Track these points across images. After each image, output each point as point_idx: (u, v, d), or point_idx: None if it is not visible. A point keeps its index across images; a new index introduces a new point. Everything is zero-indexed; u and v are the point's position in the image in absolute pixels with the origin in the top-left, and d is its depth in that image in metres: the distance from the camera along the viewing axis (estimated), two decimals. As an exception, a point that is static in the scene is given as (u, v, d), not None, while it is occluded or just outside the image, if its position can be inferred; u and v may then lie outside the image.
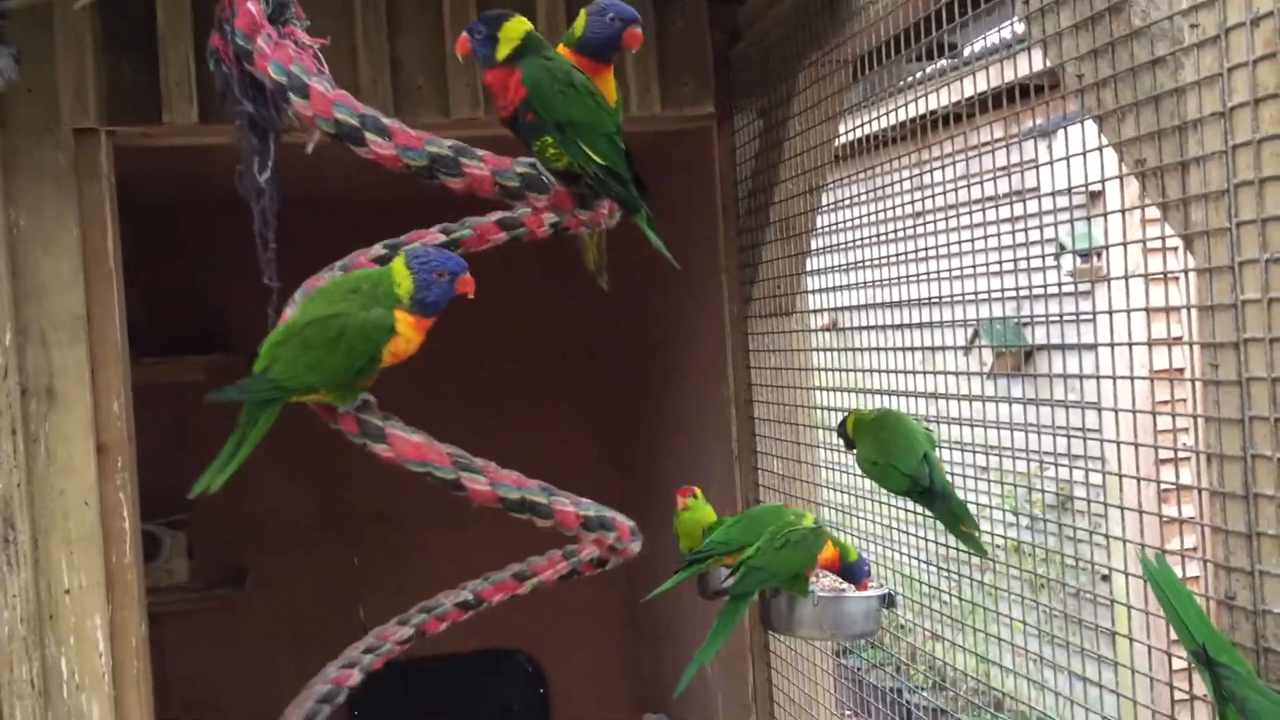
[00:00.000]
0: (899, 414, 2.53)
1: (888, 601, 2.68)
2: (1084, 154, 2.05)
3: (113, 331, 3.08)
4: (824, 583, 2.75)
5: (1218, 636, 1.52)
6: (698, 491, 3.04)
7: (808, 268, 3.26)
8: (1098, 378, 2.20)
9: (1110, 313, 2.04)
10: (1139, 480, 2.02)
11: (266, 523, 5.23)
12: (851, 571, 2.68)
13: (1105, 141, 1.87)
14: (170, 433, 4.95)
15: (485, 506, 1.63)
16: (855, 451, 2.58)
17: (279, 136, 1.88)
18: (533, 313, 5.36)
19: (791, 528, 2.62)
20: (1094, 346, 2.20)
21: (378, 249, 1.76)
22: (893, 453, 2.42)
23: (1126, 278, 1.96)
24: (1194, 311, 1.68)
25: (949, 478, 2.42)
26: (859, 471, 2.64)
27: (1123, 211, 2.15)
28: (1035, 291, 2.34)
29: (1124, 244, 2.08)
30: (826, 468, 3.30)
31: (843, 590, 2.71)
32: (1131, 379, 2.06)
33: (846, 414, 2.59)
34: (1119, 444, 2.04)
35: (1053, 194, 2.21)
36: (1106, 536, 2.15)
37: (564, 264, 5.07)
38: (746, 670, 3.71)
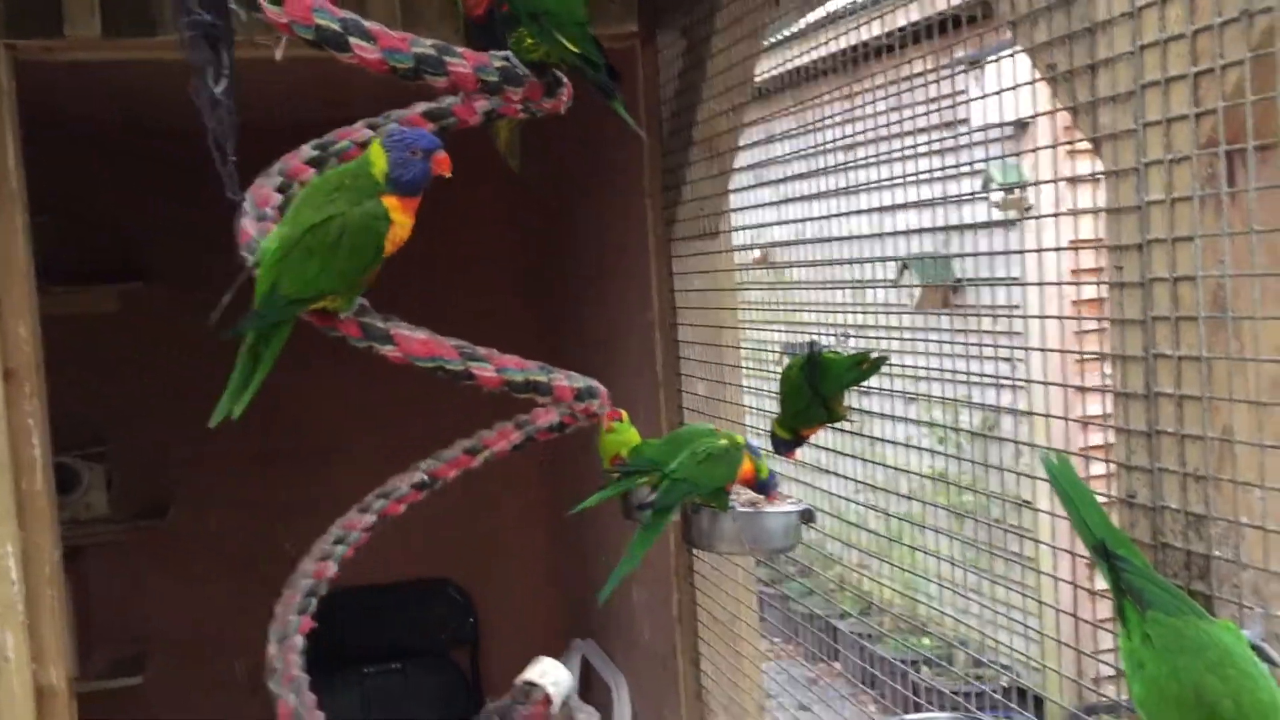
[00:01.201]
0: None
1: (806, 517, 2.71)
2: (1014, 88, 2.03)
3: (17, 254, 2.98)
4: (744, 499, 2.77)
5: (1116, 532, 1.55)
6: (624, 415, 3.05)
7: (735, 198, 3.25)
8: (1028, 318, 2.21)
9: (1039, 254, 2.05)
10: (1067, 422, 2.05)
11: (188, 455, 5.15)
12: (764, 486, 2.71)
13: (1036, 76, 1.86)
14: (88, 365, 4.85)
15: (490, 390, 1.62)
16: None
17: (232, 46, 1.84)
18: (474, 229, 5.30)
19: (713, 443, 2.65)
20: (1022, 283, 2.21)
21: (307, 150, 1.73)
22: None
23: (1059, 216, 1.96)
24: (1103, 215, 1.69)
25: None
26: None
27: (1054, 150, 2.15)
28: (964, 225, 2.34)
29: (1058, 192, 2.09)
30: (750, 390, 3.32)
31: (761, 506, 2.74)
32: (1063, 321, 2.08)
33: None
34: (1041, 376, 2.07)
35: (984, 128, 2.21)
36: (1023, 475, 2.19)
37: (505, 176, 5.05)
38: (671, 592, 3.75)
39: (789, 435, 2.58)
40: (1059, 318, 3.33)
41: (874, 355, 2.37)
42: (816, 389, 2.42)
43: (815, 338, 2.62)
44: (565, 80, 1.82)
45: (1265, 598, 1.49)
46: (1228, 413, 1.50)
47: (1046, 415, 3.36)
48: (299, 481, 5.26)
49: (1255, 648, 1.44)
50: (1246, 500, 1.50)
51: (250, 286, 1.56)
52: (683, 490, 2.58)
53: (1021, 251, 2.68)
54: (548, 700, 1.41)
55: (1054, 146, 2.23)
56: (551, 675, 1.44)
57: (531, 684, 1.41)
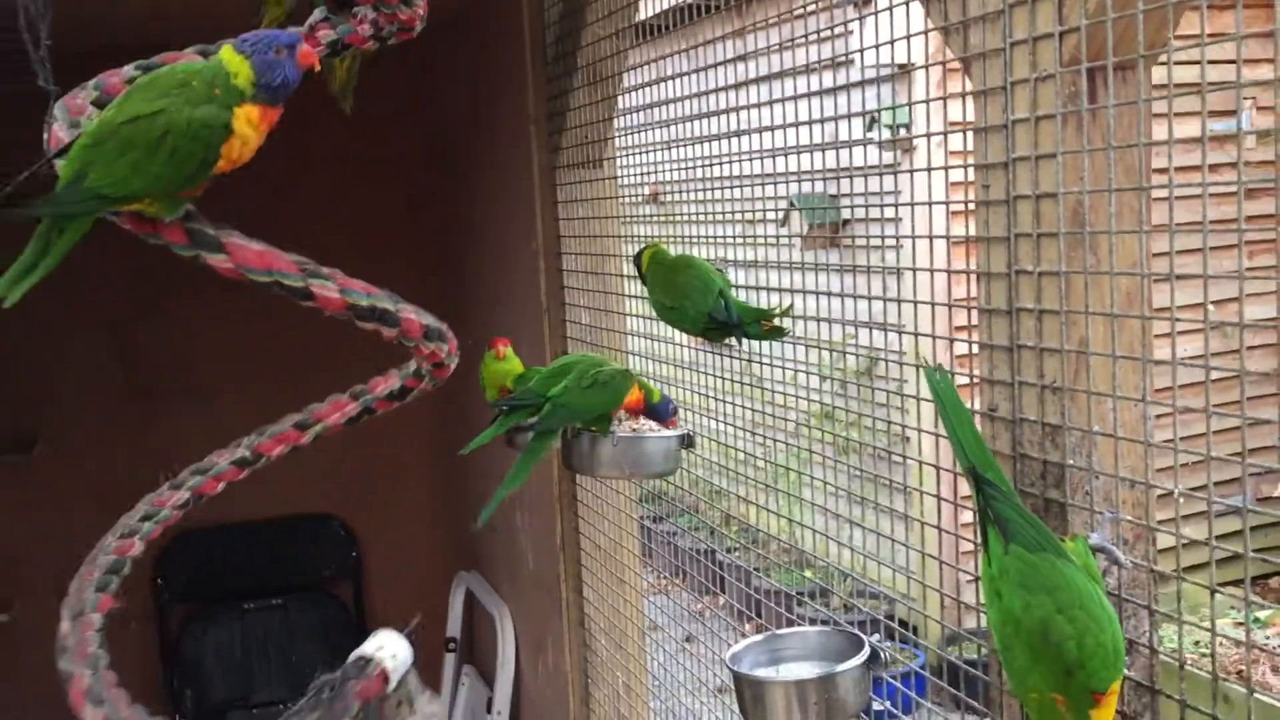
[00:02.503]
0: (691, 258, 2.54)
1: (686, 442, 2.74)
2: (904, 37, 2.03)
3: None
4: (625, 425, 2.79)
5: (987, 455, 1.59)
6: (509, 345, 3.03)
7: (625, 138, 3.22)
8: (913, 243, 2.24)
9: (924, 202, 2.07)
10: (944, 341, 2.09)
11: (56, 389, 4.98)
12: (656, 411, 2.73)
13: (928, 22, 1.86)
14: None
15: (334, 314, 1.50)
16: (649, 296, 2.59)
17: None
18: (351, 163, 5.18)
19: (600, 370, 2.65)
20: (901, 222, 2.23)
21: (129, 70, 1.60)
22: (688, 294, 2.44)
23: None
24: (970, 134, 1.72)
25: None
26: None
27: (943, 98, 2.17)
28: (850, 166, 2.34)
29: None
30: (636, 316, 3.32)
31: (642, 431, 2.76)
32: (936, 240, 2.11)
33: (645, 244, 2.59)
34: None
35: (876, 66, 2.21)
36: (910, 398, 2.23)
37: (386, 108, 4.92)
38: (554, 520, 3.76)
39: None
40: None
41: (776, 320, 2.37)
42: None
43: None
44: None
45: (1115, 503, 1.56)
46: (1084, 326, 1.55)
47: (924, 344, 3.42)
48: (178, 418, 5.13)
49: (1104, 549, 1.50)
50: (1100, 410, 1.55)
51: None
52: (565, 415, 2.58)
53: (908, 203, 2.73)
54: (384, 675, 1.34)
55: (941, 100, 2.25)
56: (389, 649, 1.35)
57: (368, 658, 1.34)
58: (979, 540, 1.54)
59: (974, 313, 1.77)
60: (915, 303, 2.12)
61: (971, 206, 1.74)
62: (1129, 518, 1.54)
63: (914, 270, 2.19)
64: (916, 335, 2.13)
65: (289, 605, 5.31)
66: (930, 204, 2.04)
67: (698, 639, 3.94)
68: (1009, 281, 1.65)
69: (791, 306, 2.39)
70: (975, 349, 1.76)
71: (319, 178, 5.15)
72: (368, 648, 1.34)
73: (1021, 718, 1.68)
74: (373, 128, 5.00)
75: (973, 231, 1.73)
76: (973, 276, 1.76)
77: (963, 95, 1.76)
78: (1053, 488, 1.61)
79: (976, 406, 1.77)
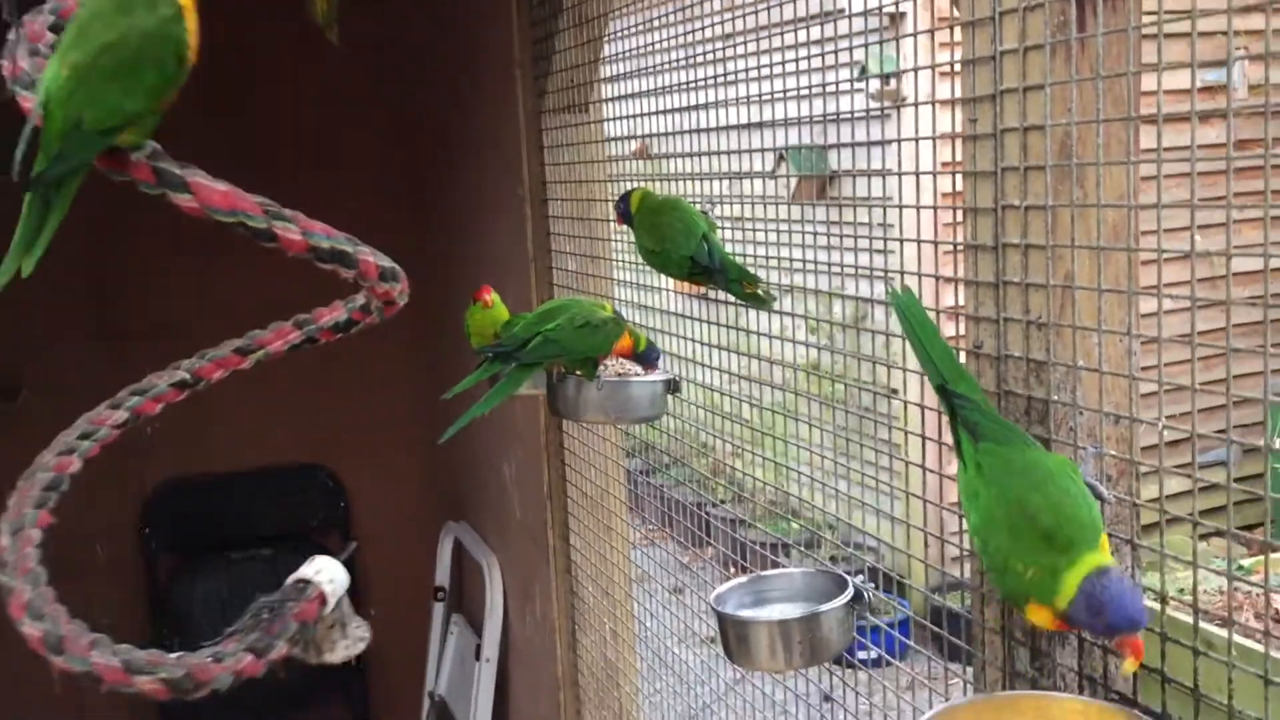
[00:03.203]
0: (677, 200, 2.52)
1: (672, 387, 2.73)
2: None
3: None
4: (610, 369, 2.78)
5: (958, 368, 1.59)
6: (493, 293, 3.01)
7: (611, 86, 3.17)
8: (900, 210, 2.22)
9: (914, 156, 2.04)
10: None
11: (36, 337, 4.95)
12: (642, 359, 2.72)
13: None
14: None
15: (296, 255, 1.49)
16: (635, 240, 2.57)
17: None
18: (333, 104, 5.13)
19: (593, 313, 2.64)
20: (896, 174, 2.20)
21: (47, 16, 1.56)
22: (671, 237, 2.42)
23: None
24: (959, 66, 1.70)
25: (731, 256, 2.44)
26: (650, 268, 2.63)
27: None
28: (839, 117, 2.31)
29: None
30: (622, 264, 3.30)
31: (628, 376, 2.75)
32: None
33: (633, 189, 2.56)
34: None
35: (865, 14, 2.17)
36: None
37: (366, 52, 4.86)
38: (542, 469, 3.76)
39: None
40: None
41: (760, 291, 2.35)
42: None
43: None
44: None
45: (1099, 439, 1.55)
46: (1070, 260, 1.53)
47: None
48: (155, 361, 5.09)
49: (1088, 485, 1.50)
50: (1085, 345, 1.54)
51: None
52: (553, 350, 2.57)
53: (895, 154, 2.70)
54: (322, 598, 1.36)
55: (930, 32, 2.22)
56: (327, 573, 1.39)
57: (306, 581, 1.36)
58: (955, 453, 1.54)
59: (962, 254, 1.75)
60: (902, 240, 2.10)
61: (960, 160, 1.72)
62: (1112, 452, 1.54)
63: (900, 207, 2.17)
64: (903, 274, 2.09)
65: (277, 556, 5.31)
66: (917, 138, 2.02)
67: (687, 588, 3.96)
68: (995, 217, 1.63)
69: (769, 291, 2.38)
70: (962, 288, 1.75)
71: (302, 122, 5.10)
72: (306, 571, 1.37)
73: (1004, 615, 1.68)
74: (355, 67, 4.95)
75: (961, 183, 1.71)
76: (961, 217, 1.74)
77: (951, 38, 1.74)
78: (1037, 424, 1.60)
79: (963, 346, 1.76)
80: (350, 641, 1.43)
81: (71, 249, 5.16)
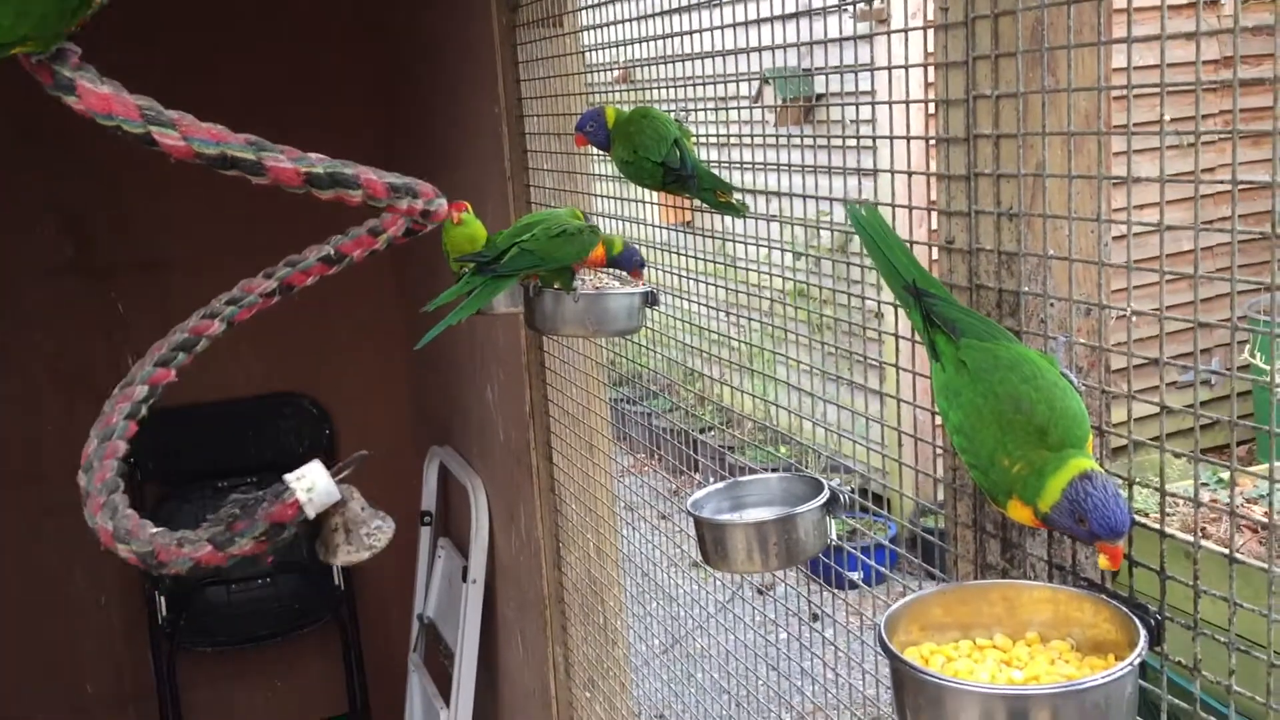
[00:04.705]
0: (648, 109, 2.48)
1: (650, 299, 2.72)
2: None
3: None
4: (588, 283, 2.76)
5: (924, 272, 1.57)
6: (469, 206, 2.98)
7: (589, 14, 3.11)
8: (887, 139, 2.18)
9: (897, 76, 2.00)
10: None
11: (14, 268, 4.91)
12: (619, 261, 2.70)
13: None
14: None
15: (291, 187, 1.43)
16: (612, 155, 2.54)
17: None
18: (303, 18, 5.05)
19: (568, 222, 2.62)
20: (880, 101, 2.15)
21: None
22: (642, 144, 2.39)
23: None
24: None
25: (702, 162, 2.41)
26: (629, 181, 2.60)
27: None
28: (822, 38, 2.26)
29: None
30: (602, 177, 3.27)
31: (605, 289, 2.73)
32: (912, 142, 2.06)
33: (600, 107, 2.53)
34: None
35: None
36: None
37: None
38: (524, 389, 3.76)
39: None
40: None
41: (735, 200, 2.33)
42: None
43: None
44: None
45: (1069, 329, 1.55)
46: (1041, 149, 1.52)
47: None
48: (138, 294, 5.08)
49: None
50: (1056, 236, 1.53)
51: None
52: (529, 261, 2.55)
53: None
54: (296, 505, 1.35)
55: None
56: (307, 481, 1.37)
57: (285, 486, 1.36)
58: (928, 354, 1.53)
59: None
60: (892, 172, 2.05)
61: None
62: (1082, 341, 1.54)
63: (891, 139, 2.14)
64: (894, 208, 2.04)
65: (263, 484, 5.30)
66: (907, 66, 1.99)
67: (671, 519, 3.98)
68: (967, 108, 1.61)
69: (742, 201, 2.35)
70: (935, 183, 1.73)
71: (269, 47, 5.02)
72: (289, 476, 1.37)
73: (975, 509, 1.69)
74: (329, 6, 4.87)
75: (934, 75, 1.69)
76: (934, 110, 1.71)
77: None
78: (1008, 316, 1.59)
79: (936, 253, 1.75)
80: (353, 548, 1.41)
81: (41, 184, 5.09)
